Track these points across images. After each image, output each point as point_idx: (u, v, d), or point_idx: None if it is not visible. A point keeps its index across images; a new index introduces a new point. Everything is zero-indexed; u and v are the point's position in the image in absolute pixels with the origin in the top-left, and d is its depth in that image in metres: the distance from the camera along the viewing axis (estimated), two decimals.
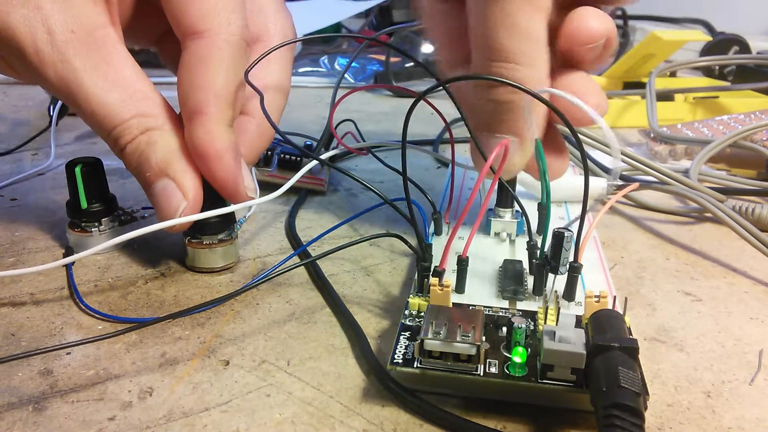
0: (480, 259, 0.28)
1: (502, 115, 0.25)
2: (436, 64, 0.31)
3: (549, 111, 0.26)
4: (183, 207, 0.26)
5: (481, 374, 0.21)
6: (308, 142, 0.43)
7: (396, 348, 0.22)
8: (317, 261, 0.31)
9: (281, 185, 0.27)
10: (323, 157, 0.32)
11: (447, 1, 0.28)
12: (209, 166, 0.26)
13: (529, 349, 0.22)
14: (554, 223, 0.32)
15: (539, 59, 0.24)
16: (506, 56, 0.24)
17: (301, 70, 0.80)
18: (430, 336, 0.21)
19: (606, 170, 0.42)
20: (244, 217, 0.36)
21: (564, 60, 0.26)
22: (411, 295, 0.25)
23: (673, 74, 0.70)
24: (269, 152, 0.40)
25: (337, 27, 0.91)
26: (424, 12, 0.30)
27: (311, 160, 0.30)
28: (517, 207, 0.30)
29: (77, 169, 0.31)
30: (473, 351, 0.20)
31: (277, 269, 0.29)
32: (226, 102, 0.26)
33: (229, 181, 0.26)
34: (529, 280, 0.26)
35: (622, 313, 0.22)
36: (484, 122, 0.26)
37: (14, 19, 0.24)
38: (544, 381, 0.20)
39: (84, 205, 0.31)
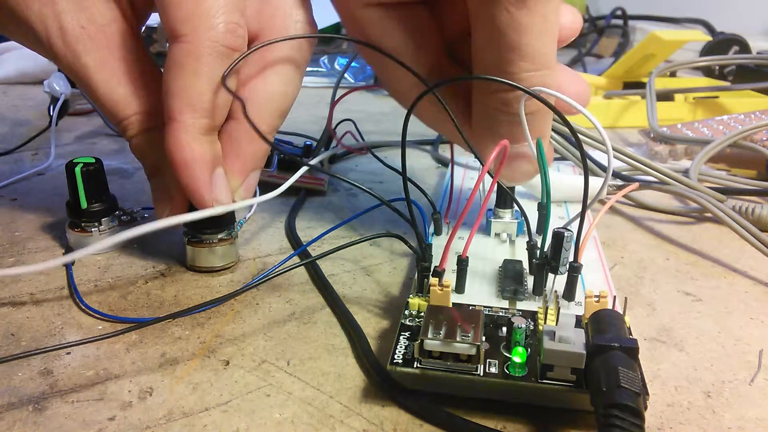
0: (480, 259, 0.28)
1: (528, 123, 0.24)
2: (390, 92, 0.28)
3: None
4: (169, 207, 0.28)
5: (481, 374, 0.21)
6: (308, 142, 0.43)
7: (396, 348, 0.22)
8: (317, 261, 0.31)
9: (281, 185, 0.27)
10: (322, 157, 0.32)
11: (404, 12, 0.25)
12: (176, 173, 0.26)
13: (529, 349, 0.22)
14: (554, 223, 0.32)
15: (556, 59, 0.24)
16: (543, 62, 0.23)
17: None
18: (429, 336, 0.21)
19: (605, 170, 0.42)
20: (245, 217, 0.36)
21: None
22: (411, 295, 0.25)
23: (673, 74, 0.70)
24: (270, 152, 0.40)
25: (338, 27, 0.91)
26: (367, 35, 0.26)
27: (308, 161, 0.30)
28: (516, 207, 0.30)
29: (77, 169, 0.31)
30: (473, 351, 0.20)
31: (277, 269, 0.29)
32: (199, 110, 0.25)
33: (193, 190, 0.26)
34: (529, 280, 0.26)
35: (622, 313, 0.22)
36: (508, 134, 0.25)
37: (31, 14, 0.26)
38: (544, 381, 0.20)
39: (84, 205, 0.31)
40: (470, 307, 0.24)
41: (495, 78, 0.23)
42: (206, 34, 0.24)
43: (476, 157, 0.25)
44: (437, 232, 0.31)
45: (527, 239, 0.27)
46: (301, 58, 0.28)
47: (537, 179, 0.27)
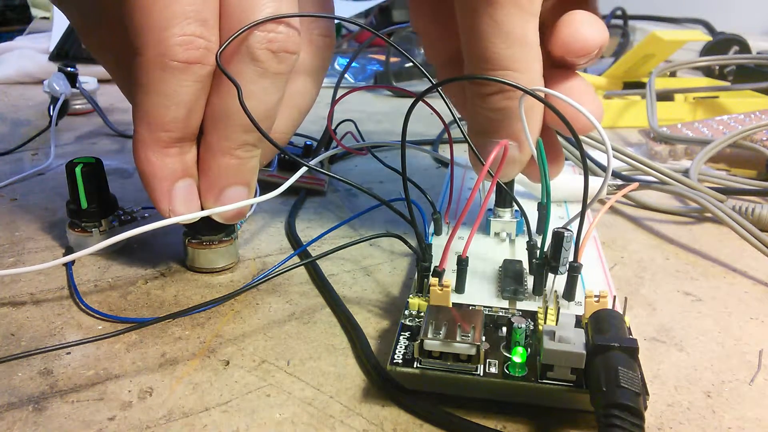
0: (480, 259, 0.28)
1: (500, 121, 0.25)
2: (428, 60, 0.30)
3: (545, 113, 0.25)
4: None
5: (481, 374, 0.21)
6: (308, 142, 0.43)
7: (396, 348, 0.22)
8: (317, 261, 0.31)
9: (281, 185, 0.27)
10: (322, 158, 0.32)
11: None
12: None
13: (529, 349, 0.22)
14: (554, 223, 0.32)
15: (533, 63, 0.24)
16: (500, 64, 0.23)
17: None
18: (429, 336, 0.21)
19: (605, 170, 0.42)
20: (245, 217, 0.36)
21: (553, 60, 0.26)
22: (411, 295, 0.25)
23: (673, 74, 0.70)
24: None
25: (337, 27, 0.91)
26: (412, 8, 0.29)
27: (310, 160, 0.30)
28: (516, 207, 0.30)
29: (77, 170, 0.31)
30: (473, 351, 0.20)
31: (277, 269, 0.29)
32: (153, 125, 0.24)
33: (153, 200, 0.26)
34: (529, 280, 0.26)
35: (622, 313, 0.22)
36: (482, 128, 0.26)
37: (63, 5, 0.28)
38: (544, 381, 0.20)
39: (84, 205, 0.31)
40: (470, 307, 0.24)
41: (493, 78, 0.23)
42: (155, 49, 0.23)
43: (474, 152, 0.25)
44: (437, 232, 0.31)
45: (527, 239, 0.27)
46: (275, 66, 0.25)
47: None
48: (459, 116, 0.30)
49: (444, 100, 0.25)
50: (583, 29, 0.24)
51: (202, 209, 0.26)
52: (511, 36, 0.23)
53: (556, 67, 0.26)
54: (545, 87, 0.25)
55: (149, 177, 0.25)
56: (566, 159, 0.41)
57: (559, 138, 0.37)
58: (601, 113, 0.26)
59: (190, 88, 0.24)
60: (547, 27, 0.26)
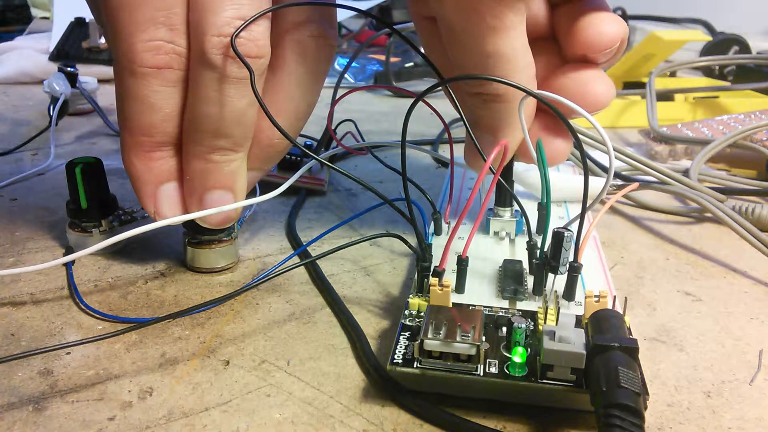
0: (480, 259, 0.28)
1: (483, 118, 0.26)
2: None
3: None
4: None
5: (481, 374, 0.21)
6: (308, 142, 0.43)
7: (396, 348, 0.22)
8: (317, 261, 0.31)
9: (281, 185, 0.27)
10: (328, 154, 0.32)
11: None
12: None
13: (529, 349, 0.22)
14: (554, 223, 0.32)
15: (519, 67, 0.24)
16: (486, 72, 0.24)
17: None
18: (429, 336, 0.21)
19: (605, 170, 0.42)
20: (244, 217, 0.36)
21: (573, 58, 0.26)
22: (411, 295, 0.25)
23: (673, 74, 0.70)
24: None
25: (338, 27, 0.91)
26: (416, 25, 0.29)
27: (311, 160, 0.30)
28: (516, 206, 0.30)
29: (77, 170, 0.31)
30: (473, 351, 0.20)
31: (277, 269, 0.29)
32: (132, 130, 0.25)
33: (140, 202, 0.26)
34: (529, 280, 0.26)
35: (622, 313, 0.22)
36: (471, 122, 0.26)
37: (90, 4, 0.28)
38: (544, 381, 0.20)
39: (84, 205, 0.31)
40: (470, 307, 0.24)
41: (495, 78, 0.23)
42: (126, 55, 0.23)
43: (478, 150, 0.26)
44: (437, 232, 0.31)
45: (527, 239, 0.27)
46: (235, 71, 0.24)
47: (537, 179, 0.27)
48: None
49: (452, 98, 0.26)
50: (602, 25, 0.24)
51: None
52: (485, 53, 0.23)
53: (575, 62, 0.26)
54: (555, 77, 0.26)
55: (135, 180, 0.26)
56: (566, 159, 0.41)
57: None
58: (611, 95, 0.26)
59: (162, 93, 0.24)
60: (561, 26, 0.26)
